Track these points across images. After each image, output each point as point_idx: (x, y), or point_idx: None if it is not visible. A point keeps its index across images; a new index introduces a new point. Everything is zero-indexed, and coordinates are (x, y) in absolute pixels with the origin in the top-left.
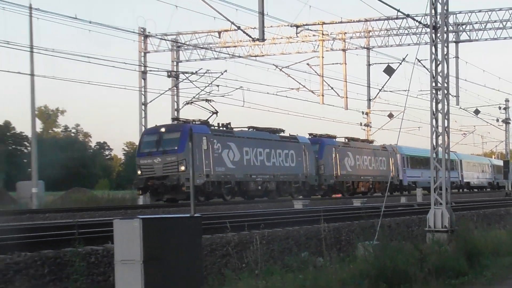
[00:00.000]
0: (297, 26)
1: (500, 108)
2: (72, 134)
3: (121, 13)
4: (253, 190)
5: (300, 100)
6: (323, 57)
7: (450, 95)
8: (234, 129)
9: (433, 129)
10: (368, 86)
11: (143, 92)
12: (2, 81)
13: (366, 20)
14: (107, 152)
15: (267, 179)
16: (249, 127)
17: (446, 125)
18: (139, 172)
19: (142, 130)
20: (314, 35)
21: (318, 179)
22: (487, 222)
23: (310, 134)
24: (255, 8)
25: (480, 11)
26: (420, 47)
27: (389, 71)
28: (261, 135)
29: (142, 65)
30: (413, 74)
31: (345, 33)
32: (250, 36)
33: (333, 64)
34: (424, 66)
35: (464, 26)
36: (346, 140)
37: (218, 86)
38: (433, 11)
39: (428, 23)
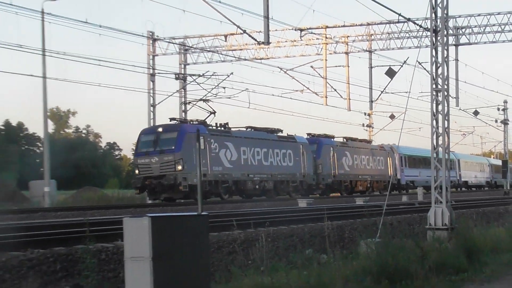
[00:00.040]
0: (301, 30)
1: (498, 109)
2: (83, 135)
3: (130, 18)
4: (251, 189)
5: (304, 101)
6: (326, 59)
7: (450, 97)
8: (232, 129)
9: (434, 129)
10: (370, 88)
11: (151, 94)
12: (15, 83)
13: (368, 24)
14: (116, 152)
15: (265, 178)
16: (247, 127)
17: (446, 126)
18: (136, 171)
19: None
20: (317, 39)
21: (316, 178)
22: (486, 220)
23: (308, 134)
24: (260, 12)
25: (479, 15)
26: (420, 50)
27: (390, 73)
28: (258, 135)
29: (151, 67)
30: (414, 76)
31: (348, 36)
32: (255, 40)
33: (336, 66)
34: (424, 69)
35: (463, 30)
36: (344, 140)
37: (224, 88)
38: (433, 15)
39: (429, 27)
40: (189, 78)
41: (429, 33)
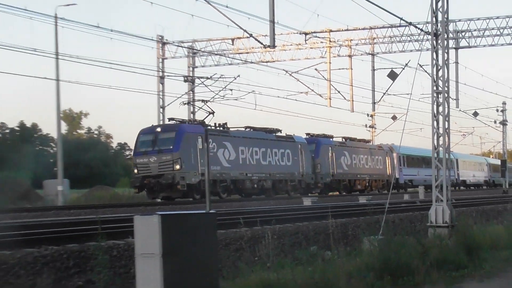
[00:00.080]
0: (306, 34)
1: (497, 110)
2: (95, 136)
3: (140, 22)
4: (249, 188)
5: (308, 103)
6: (330, 62)
7: (450, 98)
8: (231, 129)
9: (434, 130)
10: (373, 90)
11: (161, 96)
12: (29, 85)
13: (371, 28)
14: (127, 152)
15: (263, 178)
16: (246, 127)
17: (446, 126)
18: (135, 170)
19: None
20: (322, 42)
21: (315, 178)
22: (485, 218)
23: (307, 134)
24: (266, 16)
25: (478, 19)
26: (421, 53)
27: (392, 75)
28: (257, 135)
29: (160, 70)
30: (415, 78)
31: (351, 40)
32: (261, 43)
33: (339, 69)
34: (425, 71)
35: (463, 33)
36: (343, 139)
37: (231, 90)
38: (434, 19)
39: (430, 31)
40: (197, 81)
41: (430, 37)
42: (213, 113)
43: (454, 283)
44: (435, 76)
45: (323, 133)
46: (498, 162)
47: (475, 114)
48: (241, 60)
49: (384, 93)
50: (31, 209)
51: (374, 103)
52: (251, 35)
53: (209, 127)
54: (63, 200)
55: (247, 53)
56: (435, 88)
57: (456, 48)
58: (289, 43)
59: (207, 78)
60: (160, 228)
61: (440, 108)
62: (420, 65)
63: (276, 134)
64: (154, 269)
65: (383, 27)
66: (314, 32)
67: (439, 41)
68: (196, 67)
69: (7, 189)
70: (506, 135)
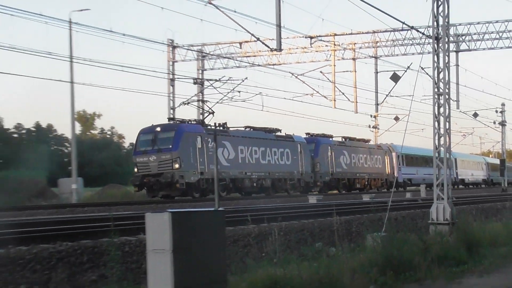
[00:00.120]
0: (311, 37)
1: (496, 111)
2: (108, 136)
3: (151, 27)
4: (248, 187)
5: (314, 104)
6: (334, 65)
7: (451, 100)
8: (230, 129)
9: (436, 130)
10: (376, 92)
11: (171, 98)
12: (45, 88)
13: (374, 32)
14: None
15: (262, 176)
16: (245, 127)
17: (447, 127)
18: (135, 169)
19: None
20: (326, 46)
21: (314, 176)
22: (485, 215)
23: (307, 134)
24: (273, 21)
25: (478, 23)
26: (423, 56)
27: (395, 78)
28: (256, 134)
29: (171, 73)
30: (417, 80)
31: (355, 43)
32: (268, 47)
33: (344, 72)
34: (427, 74)
35: (463, 37)
36: (343, 139)
37: (239, 92)
38: (435, 24)
39: (431, 34)
40: (206, 83)
41: (431, 40)
42: (213, 113)
43: (455, 278)
44: (436, 78)
45: (322, 133)
46: (496, 161)
47: (475, 115)
48: (249, 63)
49: (387, 95)
50: (46, 207)
51: (377, 104)
52: (258, 39)
53: (209, 127)
54: (77, 198)
55: (255, 56)
56: (436, 90)
57: (457, 51)
58: (295, 47)
59: (216, 80)
60: (170, 225)
61: (441, 109)
62: (421, 67)
63: (276, 133)
64: (165, 264)
65: (386, 31)
66: (319, 36)
67: (440, 45)
68: (205, 69)
69: (23, 187)
70: (505, 135)
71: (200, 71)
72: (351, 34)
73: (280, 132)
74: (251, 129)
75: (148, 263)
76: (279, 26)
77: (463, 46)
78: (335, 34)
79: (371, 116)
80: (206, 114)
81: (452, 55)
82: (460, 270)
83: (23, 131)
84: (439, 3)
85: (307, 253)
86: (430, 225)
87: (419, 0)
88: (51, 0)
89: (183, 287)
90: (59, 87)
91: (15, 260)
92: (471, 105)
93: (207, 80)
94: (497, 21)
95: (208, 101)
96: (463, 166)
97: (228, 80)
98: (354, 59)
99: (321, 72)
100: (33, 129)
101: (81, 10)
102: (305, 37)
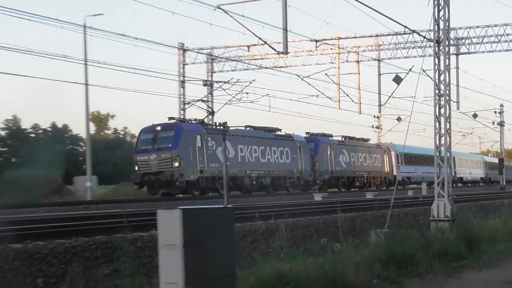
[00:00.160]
0: (317, 41)
1: (495, 112)
2: (121, 136)
3: (162, 30)
4: (248, 185)
5: (319, 105)
6: (339, 68)
7: (451, 101)
8: (230, 128)
9: (436, 131)
10: (379, 93)
11: (182, 99)
12: (60, 89)
13: (377, 35)
14: None
15: (262, 175)
16: (245, 126)
17: (448, 127)
18: (136, 168)
19: None
20: (331, 49)
21: (313, 175)
22: (484, 212)
23: (307, 133)
24: (279, 25)
25: (478, 27)
26: (424, 59)
27: (397, 80)
28: (256, 134)
29: (181, 75)
30: (418, 82)
31: (359, 46)
32: (275, 50)
33: (348, 74)
34: (428, 76)
35: (463, 40)
36: (342, 138)
37: (247, 93)
38: (436, 27)
39: (432, 38)
40: (215, 85)
41: (432, 44)
42: (212, 113)
43: (455, 273)
44: (437, 80)
45: (322, 132)
46: (494, 160)
47: (475, 115)
48: (256, 65)
49: (389, 96)
50: (62, 204)
51: (380, 105)
52: (265, 42)
53: (209, 126)
54: (91, 195)
55: (262, 59)
56: (437, 91)
57: (457, 54)
58: (301, 50)
59: (225, 82)
60: (181, 221)
61: (442, 110)
62: (423, 70)
63: (275, 133)
64: (176, 259)
65: (389, 34)
66: (324, 40)
67: (441, 48)
68: (215, 72)
69: (40, 185)
70: (503, 135)
71: (210, 73)
72: (355, 37)
73: (280, 131)
74: (251, 129)
75: (160, 258)
76: (285, 30)
77: (463, 49)
78: (340, 38)
79: (374, 116)
80: (206, 114)
81: (453, 58)
82: (460, 265)
83: (40, 131)
84: (440, 7)
85: (313, 248)
86: (431, 222)
87: (421, 5)
88: (67, 5)
89: (193, 280)
90: (74, 89)
91: (32, 254)
92: (470, 106)
93: (216, 82)
94: (496, 25)
95: (208, 101)
96: (461, 165)
97: (237, 82)
98: (358, 61)
99: (326, 74)
100: (49, 129)
101: (95, 15)
102: (311, 41)
